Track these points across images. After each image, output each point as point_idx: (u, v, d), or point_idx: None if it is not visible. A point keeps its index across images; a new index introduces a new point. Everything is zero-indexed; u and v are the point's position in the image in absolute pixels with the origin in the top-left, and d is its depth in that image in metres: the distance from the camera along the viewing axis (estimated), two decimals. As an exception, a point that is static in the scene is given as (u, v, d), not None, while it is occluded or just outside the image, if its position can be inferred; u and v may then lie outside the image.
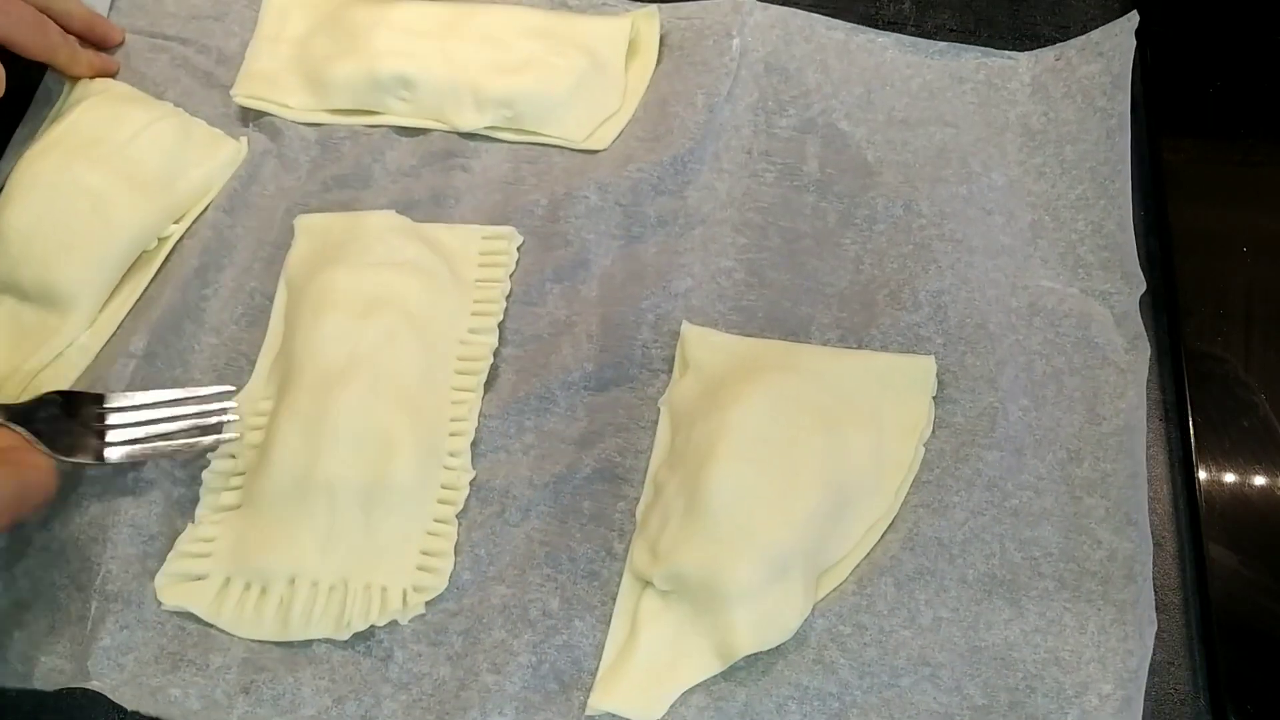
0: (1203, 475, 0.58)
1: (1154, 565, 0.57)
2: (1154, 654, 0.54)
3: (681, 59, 0.70)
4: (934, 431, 0.59)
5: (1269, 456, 0.58)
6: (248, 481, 0.58)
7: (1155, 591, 0.56)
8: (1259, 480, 0.57)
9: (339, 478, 0.56)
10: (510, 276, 0.64)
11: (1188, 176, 0.66)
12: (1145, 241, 0.65)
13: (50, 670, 0.54)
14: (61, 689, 0.54)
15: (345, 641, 0.55)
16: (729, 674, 0.54)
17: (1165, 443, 0.60)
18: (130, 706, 0.53)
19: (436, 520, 0.58)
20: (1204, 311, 0.62)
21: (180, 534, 0.57)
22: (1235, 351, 0.61)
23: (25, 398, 0.57)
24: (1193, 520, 0.57)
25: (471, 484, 0.58)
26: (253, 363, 0.62)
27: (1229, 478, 0.58)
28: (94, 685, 0.53)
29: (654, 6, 0.72)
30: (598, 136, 0.68)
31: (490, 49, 0.69)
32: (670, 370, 0.61)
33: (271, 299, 0.64)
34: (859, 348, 0.61)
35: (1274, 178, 0.67)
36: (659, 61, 0.71)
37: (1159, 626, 0.55)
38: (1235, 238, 0.64)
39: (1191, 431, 0.59)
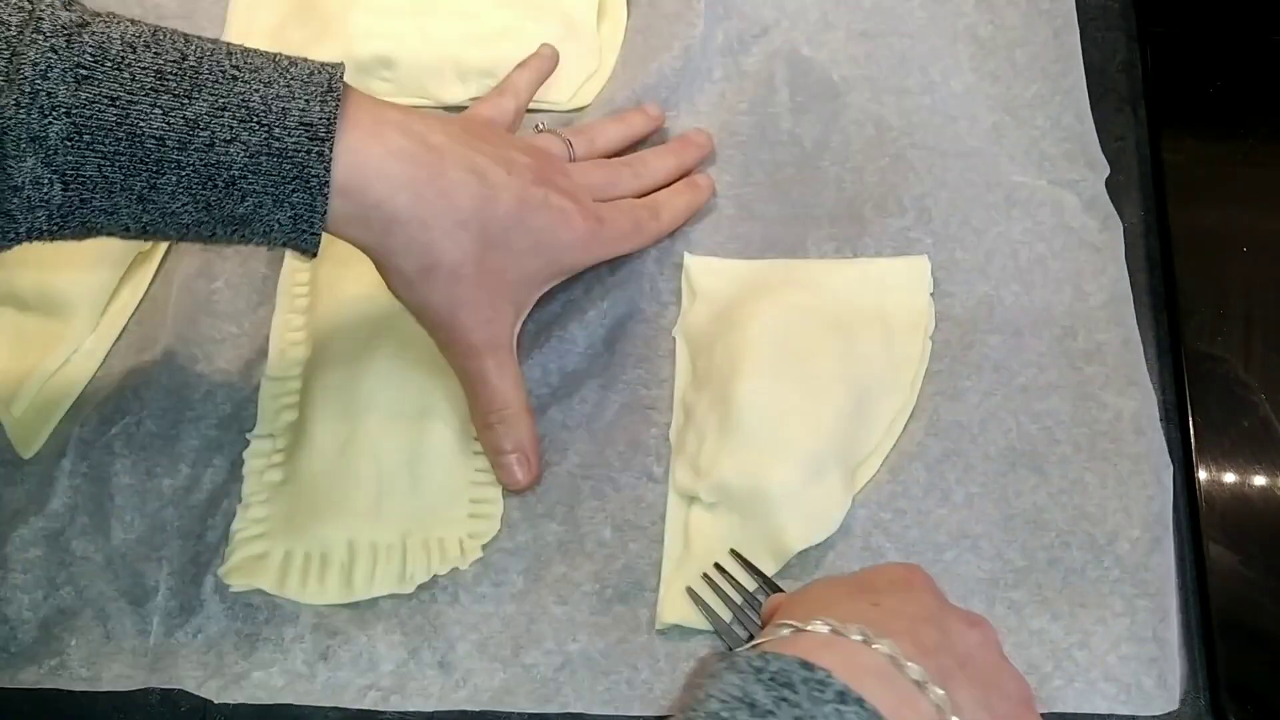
0: (1203, 475, 0.57)
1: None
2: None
3: (651, 12, 0.71)
4: (937, 325, 0.62)
5: (1269, 456, 0.57)
6: (289, 458, 0.59)
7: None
8: (1259, 480, 0.57)
9: (380, 445, 0.58)
10: None
11: (1188, 176, 0.66)
12: (1145, 241, 0.65)
13: (118, 676, 0.55)
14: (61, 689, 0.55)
15: (410, 594, 0.56)
16: (785, 572, 0.56)
17: (1165, 443, 0.60)
18: (218, 699, 0.54)
19: (479, 470, 0.59)
20: (1204, 311, 0.62)
21: (229, 520, 0.58)
22: (1235, 351, 0.61)
23: (34, 407, 0.57)
24: (1193, 520, 0.57)
25: None
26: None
27: (1229, 478, 0.57)
28: (178, 685, 0.54)
29: None
30: (580, 96, 0.70)
31: (465, 22, 0.70)
32: (679, 301, 0.63)
33: None
34: (855, 257, 0.64)
35: (1274, 178, 0.67)
36: (628, 17, 0.72)
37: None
38: (1235, 238, 0.64)
39: (1191, 431, 0.58)
